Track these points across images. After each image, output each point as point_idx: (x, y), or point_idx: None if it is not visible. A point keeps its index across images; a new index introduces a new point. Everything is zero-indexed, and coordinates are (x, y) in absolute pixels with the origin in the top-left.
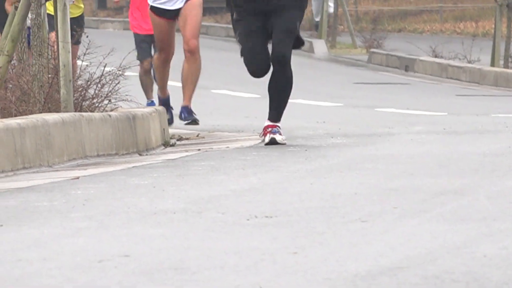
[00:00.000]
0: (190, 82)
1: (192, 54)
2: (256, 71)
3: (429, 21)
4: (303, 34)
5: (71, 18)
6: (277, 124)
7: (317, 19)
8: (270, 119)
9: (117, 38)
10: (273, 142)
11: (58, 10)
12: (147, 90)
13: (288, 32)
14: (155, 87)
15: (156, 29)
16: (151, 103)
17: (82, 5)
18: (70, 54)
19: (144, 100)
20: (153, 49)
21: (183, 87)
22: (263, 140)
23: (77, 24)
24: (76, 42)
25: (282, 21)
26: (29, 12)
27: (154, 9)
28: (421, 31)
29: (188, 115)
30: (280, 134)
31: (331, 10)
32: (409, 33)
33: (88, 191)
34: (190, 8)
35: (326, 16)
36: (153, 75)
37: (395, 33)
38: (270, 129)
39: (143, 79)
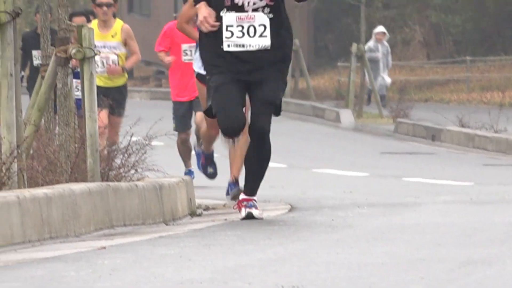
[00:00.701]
0: (239, 155)
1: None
2: (230, 128)
3: (455, 91)
4: (330, 104)
5: (114, 88)
6: (253, 198)
7: (380, 93)
8: (245, 192)
9: (143, 108)
10: (250, 216)
11: (84, 79)
12: (186, 159)
13: (269, 105)
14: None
15: (204, 99)
16: (189, 172)
17: (126, 75)
18: (97, 123)
19: (173, 169)
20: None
21: (232, 160)
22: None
23: (120, 94)
24: (118, 113)
25: (264, 92)
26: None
27: (200, 77)
28: (447, 101)
29: (235, 187)
30: (257, 208)
31: (389, 81)
32: (435, 103)
33: (114, 261)
34: None
35: (353, 86)
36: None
37: (422, 103)
38: (245, 203)
39: (181, 149)
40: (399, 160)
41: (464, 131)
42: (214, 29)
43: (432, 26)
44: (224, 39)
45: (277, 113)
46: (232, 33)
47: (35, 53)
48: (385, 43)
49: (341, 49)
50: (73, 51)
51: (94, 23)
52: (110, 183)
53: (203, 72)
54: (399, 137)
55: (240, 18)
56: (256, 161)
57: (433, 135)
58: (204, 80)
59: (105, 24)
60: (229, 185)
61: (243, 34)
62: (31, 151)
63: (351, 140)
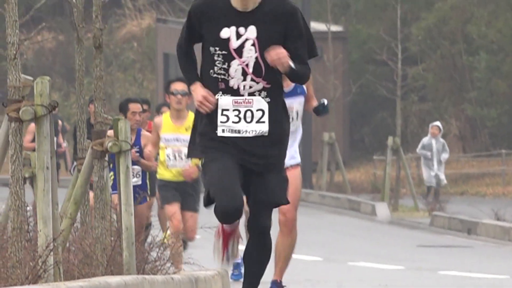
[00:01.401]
0: (283, 257)
1: (288, 227)
2: (229, 208)
3: (491, 184)
4: (366, 197)
5: (186, 181)
6: None
7: (428, 184)
8: None
9: None
10: None
11: (120, 172)
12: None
13: (271, 205)
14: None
15: None
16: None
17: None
18: (133, 216)
19: (209, 262)
20: None
21: (276, 261)
22: None
23: (193, 188)
24: (193, 209)
25: (266, 191)
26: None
27: None
28: (483, 194)
29: None
30: None
31: (443, 179)
32: (471, 196)
33: None
34: (290, 178)
35: (388, 179)
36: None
37: (457, 196)
38: None
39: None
40: (435, 253)
41: (500, 224)
42: (213, 107)
43: (468, 119)
44: (219, 123)
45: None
46: (228, 118)
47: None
48: (441, 139)
49: (377, 142)
50: (110, 144)
51: (166, 115)
52: (146, 276)
53: None
54: (435, 230)
55: (237, 102)
56: (257, 260)
57: (469, 229)
58: None
59: (178, 115)
60: (272, 283)
61: (240, 119)
62: (67, 244)
63: (387, 233)
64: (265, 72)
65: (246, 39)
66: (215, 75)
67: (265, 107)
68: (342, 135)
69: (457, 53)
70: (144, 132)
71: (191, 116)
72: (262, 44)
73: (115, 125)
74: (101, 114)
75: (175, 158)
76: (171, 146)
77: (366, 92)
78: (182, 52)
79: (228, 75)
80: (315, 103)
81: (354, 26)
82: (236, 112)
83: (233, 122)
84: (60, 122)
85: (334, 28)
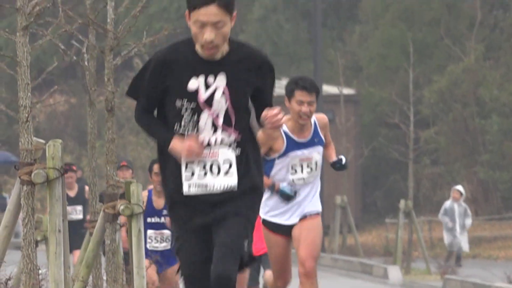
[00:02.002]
0: None
1: (309, 278)
2: (193, 279)
3: (503, 247)
4: (378, 260)
5: None
6: None
7: (450, 249)
8: None
9: None
10: None
11: (132, 235)
12: None
13: (230, 249)
14: None
15: (272, 249)
16: None
17: None
18: (145, 279)
19: None
20: (262, 269)
21: None
22: None
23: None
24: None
25: (223, 235)
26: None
27: (267, 224)
28: (495, 257)
29: None
30: None
31: (466, 245)
32: (483, 259)
33: None
34: (309, 226)
35: (400, 243)
36: None
37: (470, 259)
38: None
39: None
40: None
41: None
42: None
43: (480, 182)
44: (183, 179)
45: (246, 263)
46: (193, 172)
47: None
48: (463, 203)
49: (389, 205)
50: (121, 207)
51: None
52: None
53: (269, 218)
54: None
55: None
56: None
57: None
58: (271, 227)
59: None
60: None
61: (206, 172)
62: None
63: None
64: (235, 122)
65: (216, 88)
66: (181, 131)
67: (233, 158)
68: (354, 198)
69: (469, 116)
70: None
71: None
72: (233, 92)
73: (127, 188)
74: (113, 177)
75: None
76: None
77: (378, 155)
78: (145, 115)
79: (197, 129)
80: (333, 155)
81: (366, 89)
82: (201, 165)
83: (198, 176)
84: (87, 188)
85: (346, 91)
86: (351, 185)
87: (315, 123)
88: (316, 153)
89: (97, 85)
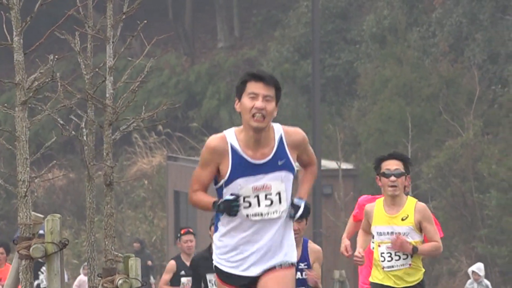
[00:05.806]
0: None
1: None
2: None
3: None
4: None
5: None
6: None
7: None
8: None
9: None
10: None
11: None
12: None
13: None
14: None
15: None
16: None
17: (422, 267)
18: None
19: None
20: None
21: None
22: None
23: None
24: None
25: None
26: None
27: (220, 274)
28: None
29: None
30: None
31: None
32: None
33: None
34: (278, 280)
35: None
36: None
37: None
38: None
39: None
40: None
41: None
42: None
43: (478, 257)
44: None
45: None
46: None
47: (210, 277)
48: (484, 281)
49: None
50: (120, 281)
51: (379, 201)
52: None
53: (223, 266)
54: None
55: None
56: None
57: None
58: (224, 278)
59: (393, 202)
60: None
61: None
62: None
63: None
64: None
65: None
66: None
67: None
68: (353, 272)
69: (468, 190)
70: (312, 245)
71: (410, 202)
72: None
73: (126, 262)
74: (112, 252)
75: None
76: (386, 242)
77: None
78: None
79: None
80: (303, 189)
81: (364, 164)
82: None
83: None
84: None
85: (345, 165)
86: (350, 260)
87: (280, 138)
88: (277, 182)
89: (96, 159)
